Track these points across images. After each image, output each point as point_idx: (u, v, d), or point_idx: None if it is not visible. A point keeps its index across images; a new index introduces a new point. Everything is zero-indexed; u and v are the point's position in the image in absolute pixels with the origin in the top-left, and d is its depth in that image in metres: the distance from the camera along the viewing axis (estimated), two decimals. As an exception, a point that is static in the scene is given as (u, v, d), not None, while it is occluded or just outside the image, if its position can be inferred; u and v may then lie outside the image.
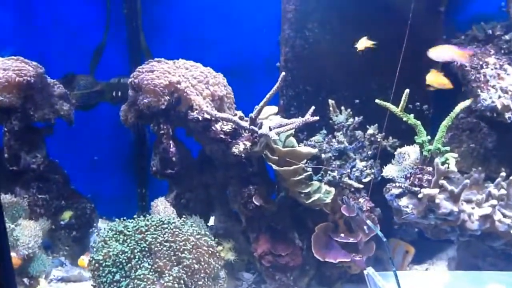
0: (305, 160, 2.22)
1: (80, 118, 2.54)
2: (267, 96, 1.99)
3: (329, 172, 2.22)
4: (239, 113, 2.25)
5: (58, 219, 2.33)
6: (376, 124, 2.35)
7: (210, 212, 2.29)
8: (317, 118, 1.99)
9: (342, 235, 2.21)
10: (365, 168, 2.25)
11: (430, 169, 1.91)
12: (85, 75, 2.43)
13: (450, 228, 1.91)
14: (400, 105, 1.93)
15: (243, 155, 1.99)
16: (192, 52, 2.56)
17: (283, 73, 1.95)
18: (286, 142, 2.25)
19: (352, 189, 2.25)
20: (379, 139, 2.32)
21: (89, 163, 2.76)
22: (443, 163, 1.88)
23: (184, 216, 2.09)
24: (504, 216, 1.83)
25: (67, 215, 2.34)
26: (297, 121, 1.95)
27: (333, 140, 2.34)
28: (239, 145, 1.99)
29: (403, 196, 1.92)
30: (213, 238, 2.00)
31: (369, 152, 2.31)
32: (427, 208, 1.87)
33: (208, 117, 1.93)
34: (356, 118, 2.35)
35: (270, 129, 1.94)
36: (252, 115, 2.05)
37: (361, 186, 2.20)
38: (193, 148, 2.30)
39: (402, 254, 2.28)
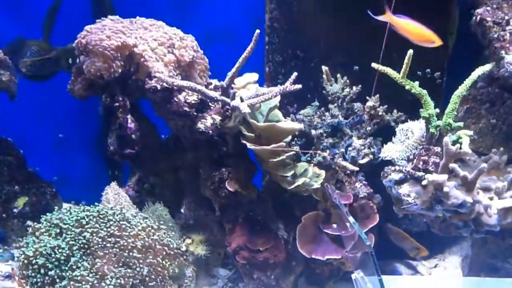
0: (290, 137, 1.91)
1: (37, 90, 2.28)
2: (240, 60, 1.68)
3: (318, 151, 1.91)
4: (215, 81, 1.94)
5: (11, 207, 2.09)
6: (378, 95, 2.02)
7: (181, 199, 2.00)
8: (299, 86, 1.67)
9: (334, 226, 1.91)
10: (362, 147, 1.93)
11: (438, 149, 1.58)
12: (37, 40, 2.13)
13: (462, 223, 1.59)
14: (402, 70, 1.59)
15: (210, 131, 1.69)
16: (166, 13, 2.25)
17: (257, 31, 1.63)
18: (270, 115, 1.94)
19: (348, 172, 1.94)
20: (380, 113, 1.99)
21: (53, 142, 2.50)
22: (454, 143, 1.54)
23: (146, 204, 1.83)
24: (530, 208, 1.50)
25: (21, 201, 2.10)
26: (274, 90, 1.64)
27: (326, 113, 2.02)
28: (206, 119, 1.69)
29: (404, 182, 1.60)
30: (175, 232, 1.74)
31: (368, 128, 1.98)
32: (434, 198, 1.55)
33: (167, 85, 1.62)
34: (354, 88, 2.02)
35: (242, 100, 1.63)
36: (224, 83, 1.74)
37: (357, 168, 1.88)
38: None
39: (410, 248, 1.98)
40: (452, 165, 1.52)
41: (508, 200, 1.48)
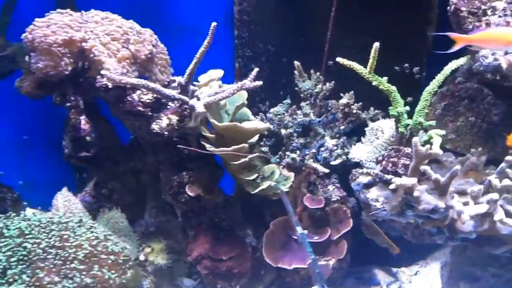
0: (257, 138, 1.83)
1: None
2: (197, 55, 1.59)
3: (287, 153, 1.81)
4: (179, 79, 1.85)
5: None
6: (352, 92, 1.93)
7: (143, 204, 1.91)
8: (259, 83, 1.58)
9: (305, 232, 1.82)
10: (335, 148, 1.84)
11: (408, 150, 1.49)
12: (-8, 36, 2.05)
13: (436, 229, 1.49)
14: (369, 64, 1.49)
15: (166, 133, 1.60)
16: (131, 6, 2.16)
17: (214, 24, 1.53)
18: (237, 114, 1.85)
19: (320, 174, 1.85)
20: (355, 111, 1.90)
21: (17, 144, 2.41)
22: (425, 143, 1.45)
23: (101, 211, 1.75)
24: (508, 215, 1.40)
25: (-24, 208, 2.01)
26: (233, 87, 1.54)
27: (298, 112, 1.92)
28: (161, 120, 1.60)
29: (373, 186, 1.51)
30: (132, 241, 1.66)
31: (342, 127, 1.89)
32: (404, 203, 1.45)
33: (115, 83, 1.52)
34: (327, 84, 1.92)
35: (198, 99, 1.54)
36: (182, 80, 1.65)
37: (327, 170, 1.79)
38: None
39: (382, 242, 1.88)
40: (424, 167, 1.42)
41: (480, 206, 1.38)
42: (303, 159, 1.82)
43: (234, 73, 2.11)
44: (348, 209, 1.82)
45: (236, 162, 1.63)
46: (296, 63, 1.95)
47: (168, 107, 1.66)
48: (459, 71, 1.75)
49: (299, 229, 1.38)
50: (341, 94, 1.94)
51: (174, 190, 1.69)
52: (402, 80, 1.85)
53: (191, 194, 1.69)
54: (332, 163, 1.82)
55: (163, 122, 1.59)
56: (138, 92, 1.63)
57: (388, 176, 1.47)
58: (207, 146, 1.63)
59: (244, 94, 1.84)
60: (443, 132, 1.46)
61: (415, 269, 2.05)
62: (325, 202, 1.82)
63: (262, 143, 1.89)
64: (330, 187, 1.84)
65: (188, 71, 1.62)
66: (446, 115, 1.71)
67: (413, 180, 1.39)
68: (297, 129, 1.87)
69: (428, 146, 1.38)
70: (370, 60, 1.48)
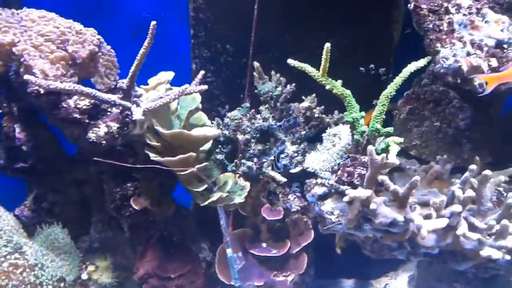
0: (209, 145, 1.74)
1: None
2: (138, 57, 1.48)
3: (243, 161, 1.72)
4: (121, 83, 1.75)
5: None
6: (314, 95, 1.84)
7: (88, 217, 1.80)
8: (204, 87, 1.49)
9: (264, 245, 1.74)
10: (295, 154, 1.75)
11: (365, 159, 1.40)
12: None
13: (396, 244, 1.41)
14: (321, 66, 1.40)
15: (104, 142, 1.49)
16: (80, 4, 2.06)
17: (153, 23, 1.43)
18: (191, 120, 1.76)
19: (281, 182, 1.76)
20: (317, 114, 1.81)
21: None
22: (382, 151, 1.36)
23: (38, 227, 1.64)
24: (472, 228, 1.32)
25: None
26: (174, 91, 1.44)
27: (258, 116, 1.83)
28: (99, 128, 1.49)
29: (328, 197, 1.42)
30: (72, 259, 1.55)
31: (303, 132, 1.80)
32: (362, 216, 1.37)
33: (44, 88, 1.42)
34: (288, 87, 1.83)
35: (138, 105, 1.44)
36: (124, 84, 1.55)
37: (284, 179, 1.70)
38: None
39: None
40: (381, 177, 1.34)
41: (440, 220, 1.30)
42: (260, 167, 1.73)
43: (191, 74, 2.00)
44: (310, 220, 1.74)
45: (182, 173, 1.53)
46: (256, 64, 1.86)
47: (109, 113, 1.56)
48: (426, 72, 1.67)
49: (228, 252, 1.29)
50: (303, 97, 1.86)
51: (117, 203, 1.59)
52: (368, 82, 1.78)
53: (136, 207, 1.59)
54: (292, 171, 1.74)
55: (100, 130, 1.49)
56: (75, 97, 1.53)
57: (344, 187, 1.38)
58: (152, 155, 1.53)
59: (198, 98, 1.76)
60: (401, 139, 1.37)
61: (385, 281, 1.98)
62: (285, 213, 1.74)
63: (218, 150, 1.79)
64: (291, 197, 1.76)
65: (129, 74, 1.52)
66: (411, 119, 1.63)
67: (368, 192, 1.31)
68: (255, 135, 1.78)
69: (384, 155, 1.30)
70: (322, 62, 1.39)
